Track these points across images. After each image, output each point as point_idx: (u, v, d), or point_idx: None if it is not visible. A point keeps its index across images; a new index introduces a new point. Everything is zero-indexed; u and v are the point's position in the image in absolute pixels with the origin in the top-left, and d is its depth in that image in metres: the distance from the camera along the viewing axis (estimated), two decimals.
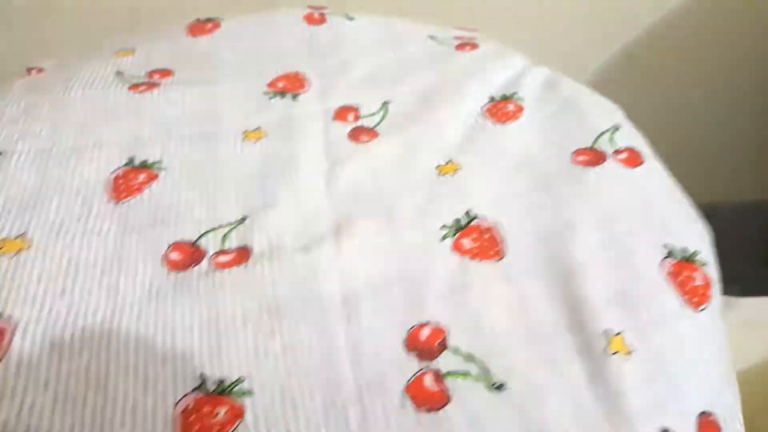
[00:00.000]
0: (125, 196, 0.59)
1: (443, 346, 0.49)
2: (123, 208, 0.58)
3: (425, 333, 0.49)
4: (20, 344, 0.47)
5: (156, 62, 0.76)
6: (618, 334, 0.49)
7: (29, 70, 0.76)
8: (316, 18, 0.86)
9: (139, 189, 0.60)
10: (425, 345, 0.48)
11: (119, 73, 0.73)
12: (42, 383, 0.45)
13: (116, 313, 0.50)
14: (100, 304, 0.50)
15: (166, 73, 0.74)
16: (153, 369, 0.46)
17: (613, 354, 0.48)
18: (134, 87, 0.71)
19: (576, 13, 1.27)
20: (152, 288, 0.52)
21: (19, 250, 0.54)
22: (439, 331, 0.49)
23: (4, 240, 0.54)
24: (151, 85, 0.71)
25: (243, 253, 0.55)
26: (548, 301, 0.52)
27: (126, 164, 0.63)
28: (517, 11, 1.25)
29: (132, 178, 0.61)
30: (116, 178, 0.61)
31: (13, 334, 0.48)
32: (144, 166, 0.63)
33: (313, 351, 0.48)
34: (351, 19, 0.87)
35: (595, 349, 0.48)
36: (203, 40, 0.81)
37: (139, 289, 0.52)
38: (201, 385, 0.45)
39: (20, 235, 0.55)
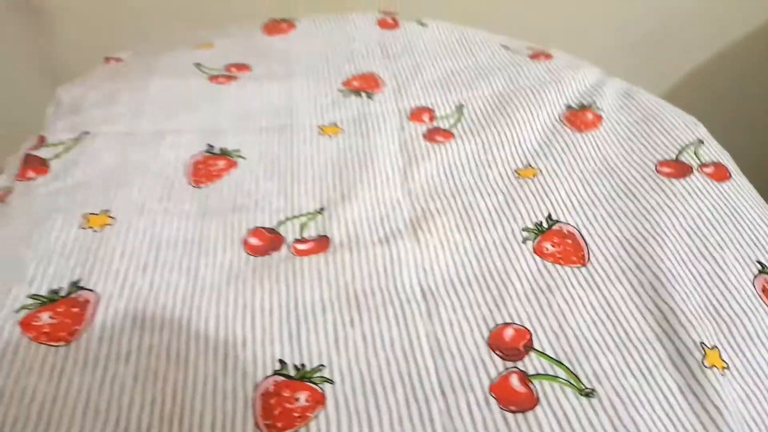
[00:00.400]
0: (205, 181, 0.59)
1: (528, 348, 0.47)
2: (203, 193, 0.58)
3: (509, 333, 0.48)
4: (104, 316, 0.47)
5: (233, 57, 0.76)
6: (713, 347, 0.47)
7: (107, 60, 0.77)
8: (389, 23, 0.86)
9: (218, 175, 0.60)
10: (510, 345, 0.47)
11: (198, 65, 0.74)
12: (124, 356, 0.44)
13: (196, 292, 0.49)
14: (180, 282, 0.50)
15: (243, 67, 0.75)
16: (233, 350, 0.45)
17: (710, 368, 0.45)
18: (213, 78, 0.71)
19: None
20: (231, 271, 0.51)
21: (104, 225, 0.54)
22: (523, 332, 0.48)
23: (88, 214, 0.55)
24: (229, 77, 0.72)
25: (322, 243, 0.54)
26: (634, 308, 0.50)
27: (206, 150, 0.63)
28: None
29: (211, 164, 0.61)
30: (196, 163, 0.61)
31: (97, 305, 0.47)
32: (224, 153, 0.63)
33: (393, 343, 0.46)
34: (423, 25, 0.87)
35: (689, 361, 0.46)
36: (279, 39, 0.81)
37: (219, 271, 0.51)
38: (281, 370, 0.44)
39: (104, 211, 0.55)
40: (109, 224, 0.54)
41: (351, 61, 0.78)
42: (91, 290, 0.49)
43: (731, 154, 0.66)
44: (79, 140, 0.62)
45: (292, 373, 0.44)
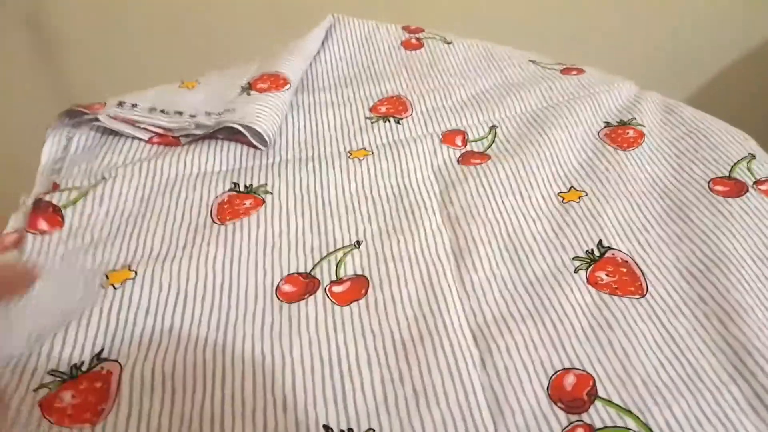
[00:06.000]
0: (231, 219, 0.56)
1: (592, 396, 0.43)
2: (229, 231, 0.55)
3: (570, 381, 0.43)
4: (129, 388, 0.43)
5: None
6: None
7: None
8: (413, 43, 0.83)
9: (246, 213, 0.57)
10: (572, 396, 0.43)
11: None
12: (155, 430, 0.41)
13: (227, 349, 0.45)
14: (209, 339, 0.46)
15: None
16: (273, 416, 0.41)
17: None
18: None
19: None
20: (265, 322, 0.47)
21: (124, 281, 0.50)
22: (585, 379, 0.44)
23: (109, 271, 0.51)
24: None
25: (360, 283, 0.51)
26: (702, 345, 0.46)
27: (230, 189, 0.60)
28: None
29: (238, 203, 0.58)
30: (221, 204, 0.58)
31: (120, 375, 0.44)
32: (249, 191, 0.59)
33: (448, 398, 0.42)
34: (448, 42, 0.83)
35: None
36: None
37: (251, 322, 0.47)
38: None
39: (125, 265, 0.52)
40: (131, 279, 0.50)
41: (377, 84, 0.75)
42: (114, 360, 0.45)
43: None
44: (96, 186, 0.59)
45: None
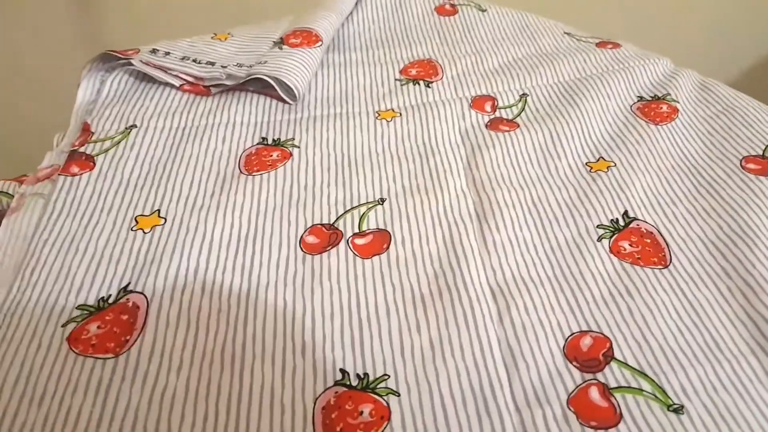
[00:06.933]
0: (257, 170, 0.57)
1: (608, 357, 0.43)
2: (256, 182, 0.56)
3: (587, 343, 0.44)
4: (154, 324, 0.44)
5: None
6: None
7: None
8: (447, 9, 0.83)
9: (273, 165, 0.58)
10: (588, 356, 0.43)
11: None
12: (176, 367, 0.42)
13: (252, 294, 0.46)
14: (234, 283, 0.47)
15: None
16: (291, 358, 0.42)
17: None
18: None
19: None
20: (288, 269, 0.48)
21: (154, 226, 0.52)
22: (602, 341, 0.44)
23: (138, 216, 0.53)
24: None
25: (382, 237, 0.51)
26: (724, 316, 0.45)
27: (259, 143, 0.60)
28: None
29: (265, 155, 0.59)
30: (249, 156, 0.59)
31: (147, 311, 0.45)
32: (277, 144, 0.60)
33: (463, 349, 0.43)
34: (483, 10, 0.83)
35: None
36: None
37: (275, 270, 0.48)
38: (342, 380, 0.41)
39: (154, 211, 0.53)
40: (160, 225, 0.52)
41: (408, 48, 0.75)
42: (140, 293, 0.46)
43: None
44: (127, 134, 0.60)
45: (354, 383, 0.41)
